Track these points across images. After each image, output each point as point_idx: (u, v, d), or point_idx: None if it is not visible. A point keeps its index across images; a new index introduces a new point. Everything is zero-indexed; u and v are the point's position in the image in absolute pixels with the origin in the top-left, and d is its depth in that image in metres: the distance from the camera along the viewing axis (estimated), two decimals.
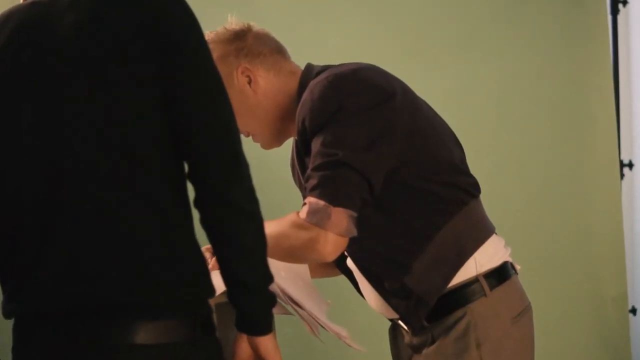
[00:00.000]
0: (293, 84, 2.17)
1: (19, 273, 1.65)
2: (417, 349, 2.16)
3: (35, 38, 1.64)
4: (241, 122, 1.86)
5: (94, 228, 1.61)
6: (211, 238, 1.68)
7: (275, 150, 2.29)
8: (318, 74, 2.13)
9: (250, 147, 1.86)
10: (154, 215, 1.62)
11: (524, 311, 2.16)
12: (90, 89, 1.61)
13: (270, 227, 1.88)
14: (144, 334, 1.61)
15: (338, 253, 2.03)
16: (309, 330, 2.11)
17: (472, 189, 2.16)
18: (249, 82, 2.17)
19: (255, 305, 1.70)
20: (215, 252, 1.69)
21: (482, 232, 2.16)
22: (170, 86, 1.62)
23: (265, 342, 1.73)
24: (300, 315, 2.10)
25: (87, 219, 1.61)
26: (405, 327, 2.18)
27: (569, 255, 3.79)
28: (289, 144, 2.29)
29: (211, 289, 1.70)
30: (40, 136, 1.62)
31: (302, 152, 2.14)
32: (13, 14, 1.69)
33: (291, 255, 2.07)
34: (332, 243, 2.00)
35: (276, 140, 2.25)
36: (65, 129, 1.61)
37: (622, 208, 3.92)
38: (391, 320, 2.24)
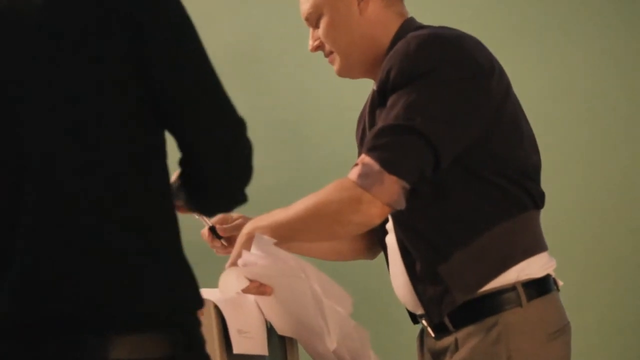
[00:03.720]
0: (394, 26, 2.09)
1: None
2: (439, 356, 2.03)
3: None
4: (332, 34, 2.02)
5: (59, 232, 1.48)
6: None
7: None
8: (419, 28, 2.04)
9: None
10: (129, 218, 1.50)
11: (562, 330, 2.02)
12: (50, 68, 1.49)
13: (311, 197, 1.92)
14: (117, 350, 1.47)
15: (383, 218, 1.94)
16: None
17: (537, 198, 2.04)
18: (360, 1, 2.08)
19: None
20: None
21: (534, 244, 2.03)
22: (143, 62, 1.50)
23: None
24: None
25: (52, 221, 1.48)
26: (427, 325, 2.05)
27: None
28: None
29: (197, 299, 1.56)
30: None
31: (376, 103, 2.02)
32: None
33: (335, 220, 1.95)
34: (377, 207, 1.90)
35: (353, 69, 2.13)
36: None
37: None
38: (413, 318, 2.11)
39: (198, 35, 1.56)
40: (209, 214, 1.88)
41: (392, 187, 1.89)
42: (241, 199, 1.62)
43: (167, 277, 1.51)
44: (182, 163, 1.59)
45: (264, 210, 2.02)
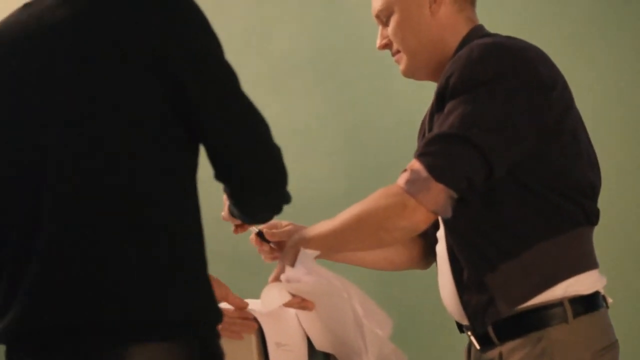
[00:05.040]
0: (463, 31, 2.09)
1: (4, 286, 1.56)
2: None
3: (25, 39, 1.58)
4: (401, 34, 2.06)
5: (77, 239, 1.50)
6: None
7: None
8: (485, 36, 2.05)
9: None
10: (149, 229, 1.51)
11: (610, 348, 1.99)
12: (76, 93, 1.52)
13: (357, 206, 1.93)
14: (132, 358, 1.48)
15: (427, 224, 1.94)
16: None
17: (591, 215, 2.02)
18: (432, 2, 2.09)
19: None
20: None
21: (584, 260, 2.00)
22: (179, 96, 1.53)
23: None
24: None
25: (69, 229, 1.50)
26: (472, 336, 2.04)
27: None
28: None
29: (216, 312, 1.57)
30: (21, 154, 1.55)
31: (434, 108, 2.02)
32: (7, 20, 1.64)
33: (383, 227, 1.94)
34: (422, 213, 1.91)
35: (418, 71, 2.14)
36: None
37: None
38: (460, 328, 2.10)
39: (221, 50, 1.59)
40: (256, 220, 1.88)
41: (439, 195, 1.89)
42: (283, 199, 1.64)
43: (185, 288, 1.52)
44: (217, 176, 1.61)
45: (323, 219, 2.02)
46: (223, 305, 1.94)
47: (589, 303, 1.97)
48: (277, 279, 1.94)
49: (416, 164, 1.91)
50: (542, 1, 3.60)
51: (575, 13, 3.57)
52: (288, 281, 1.90)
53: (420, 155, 1.92)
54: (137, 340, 1.48)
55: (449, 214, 1.91)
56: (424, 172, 1.89)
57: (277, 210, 1.71)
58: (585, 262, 2.00)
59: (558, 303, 1.94)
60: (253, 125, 1.59)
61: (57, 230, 1.50)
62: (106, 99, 1.51)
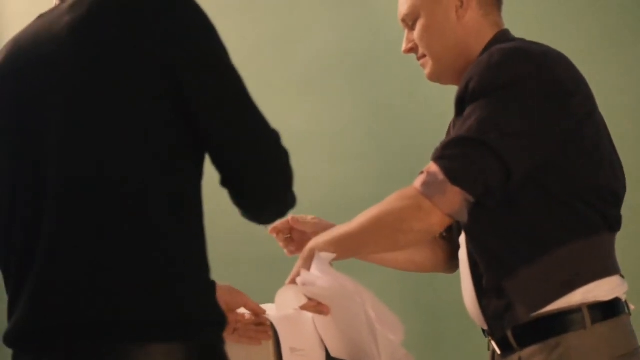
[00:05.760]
0: (488, 35, 2.10)
1: (12, 285, 1.58)
2: None
3: (35, 47, 1.60)
4: (427, 38, 2.08)
5: (81, 238, 1.51)
6: None
7: None
8: (508, 41, 2.05)
9: None
10: (153, 233, 1.52)
11: (631, 354, 1.98)
12: (77, 100, 1.53)
13: (373, 208, 1.93)
14: (133, 358, 1.48)
15: (443, 227, 1.95)
16: None
17: (614, 222, 2.01)
18: (459, 7, 2.09)
19: None
20: None
21: (604, 266, 1.99)
22: (182, 99, 1.53)
23: None
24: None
25: (73, 231, 1.51)
26: (493, 341, 2.03)
27: None
28: None
29: (215, 314, 1.57)
30: (25, 151, 1.57)
31: (455, 113, 2.03)
32: (23, 31, 1.66)
33: (398, 229, 1.95)
34: (437, 216, 1.90)
35: (443, 75, 2.15)
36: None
37: None
38: (484, 332, 2.09)
39: (224, 52, 1.58)
40: (261, 222, 1.89)
41: (454, 198, 1.89)
42: (286, 206, 1.65)
43: (184, 291, 1.52)
44: (223, 182, 1.62)
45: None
46: (241, 310, 1.95)
47: (609, 309, 1.96)
48: (293, 282, 1.95)
49: (433, 167, 1.91)
50: (568, 4, 3.57)
51: (603, 13, 3.53)
52: (303, 284, 1.91)
53: (438, 158, 1.92)
54: (136, 341, 1.48)
55: (464, 218, 1.91)
56: (440, 175, 1.89)
57: (282, 214, 1.72)
58: (605, 268, 1.98)
59: (577, 309, 1.93)
60: (256, 131, 1.59)
61: (57, 231, 1.52)
62: (106, 102, 1.52)
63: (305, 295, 1.92)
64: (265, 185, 1.60)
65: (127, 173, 1.51)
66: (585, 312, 1.93)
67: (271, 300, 1.97)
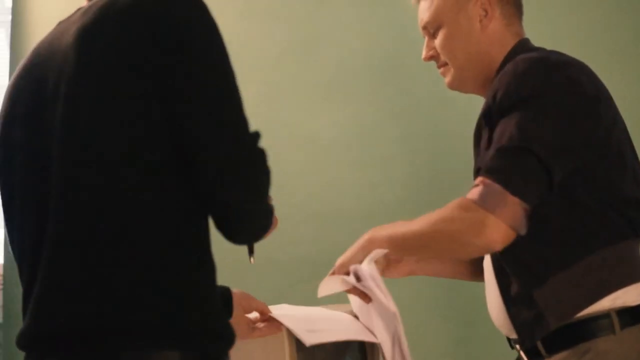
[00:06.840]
0: (509, 45, 2.10)
1: (23, 290, 1.60)
2: None
3: (50, 55, 1.60)
4: (450, 47, 2.08)
5: (78, 246, 1.51)
6: None
7: None
8: (529, 51, 2.05)
9: None
10: (153, 232, 1.51)
11: None
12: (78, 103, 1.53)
13: (434, 214, 1.92)
14: None
15: (504, 244, 1.90)
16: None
17: (638, 227, 2.00)
18: (483, 17, 2.10)
19: None
20: None
21: (633, 272, 1.98)
22: (169, 99, 1.51)
23: None
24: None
25: (73, 235, 1.52)
26: (521, 350, 2.02)
27: None
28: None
29: (219, 324, 1.56)
30: (30, 155, 1.59)
31: (482, 124, 2.02)
32: (44, 38, 1.67)
33: (454, 240, 1.94)
34: (502, 232, 1.88)
35: (464, 84, 2.15)
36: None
37: None
38: (510, 342, 2.09)
39: (228, 67, 1.55)
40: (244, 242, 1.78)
41: (515, 209, 1.88)
42: (264, 228, 1.65)
43: (189, 300, 1.52)
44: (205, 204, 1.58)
45: (378, 225, 2.02)
46: (252, 315, 1.98)
47: (637, 314, 1.95)
48: (344, 265, 1.95)
49: (487, 180, 1.90)
50: (590, 13, 3.56)
51: (623, 25, 3.51)
52: (355, 274, 1.92)
53: (489, 170, 1.90)
54: (138, 349, 1.48)
55: (524, 231, 1.89)
56: (497, 187, 1.88)
57: (261, 235, 1.68)
58: (633, 274, 1.97)
59: (605, 314, 1.92)
60: (233, 141, 1.55)
61: (57, 238, 1.52)
62: (104, 108, 1.51)
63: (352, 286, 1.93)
64: (238, 208, 1.57)
65: (128, 180, 1.50)
66: (614, 317, 1.92)
67: (271, 302, 2.01)
